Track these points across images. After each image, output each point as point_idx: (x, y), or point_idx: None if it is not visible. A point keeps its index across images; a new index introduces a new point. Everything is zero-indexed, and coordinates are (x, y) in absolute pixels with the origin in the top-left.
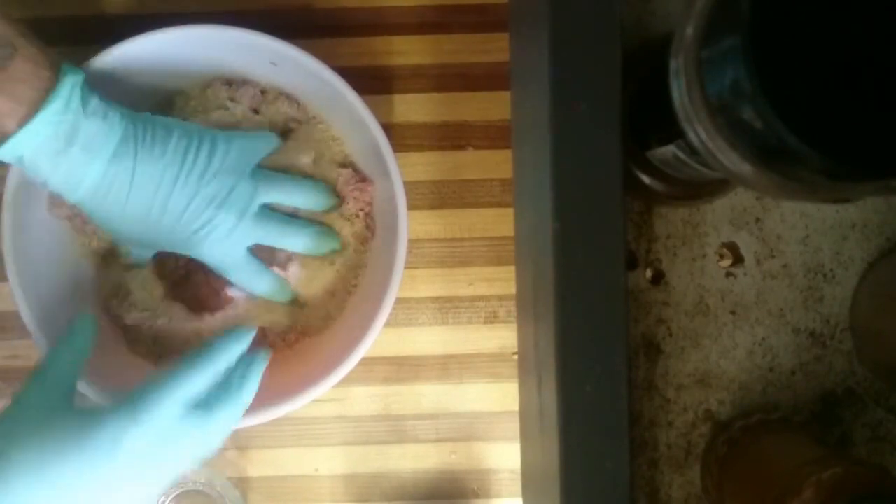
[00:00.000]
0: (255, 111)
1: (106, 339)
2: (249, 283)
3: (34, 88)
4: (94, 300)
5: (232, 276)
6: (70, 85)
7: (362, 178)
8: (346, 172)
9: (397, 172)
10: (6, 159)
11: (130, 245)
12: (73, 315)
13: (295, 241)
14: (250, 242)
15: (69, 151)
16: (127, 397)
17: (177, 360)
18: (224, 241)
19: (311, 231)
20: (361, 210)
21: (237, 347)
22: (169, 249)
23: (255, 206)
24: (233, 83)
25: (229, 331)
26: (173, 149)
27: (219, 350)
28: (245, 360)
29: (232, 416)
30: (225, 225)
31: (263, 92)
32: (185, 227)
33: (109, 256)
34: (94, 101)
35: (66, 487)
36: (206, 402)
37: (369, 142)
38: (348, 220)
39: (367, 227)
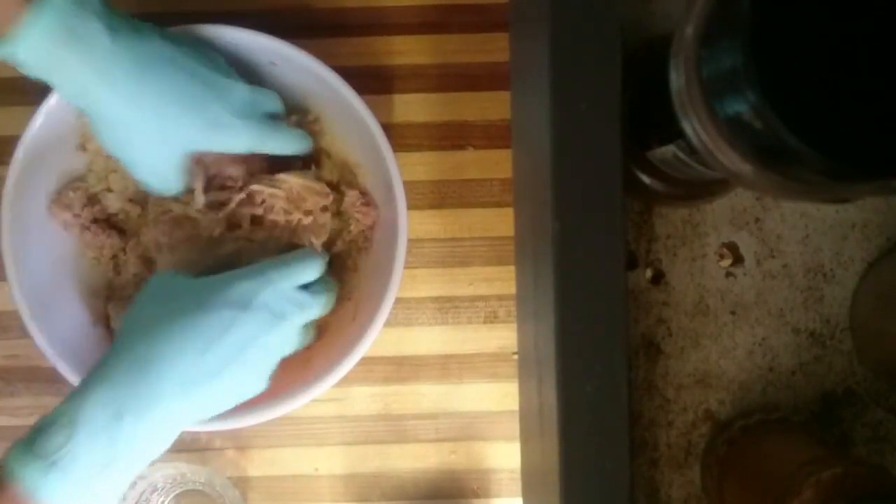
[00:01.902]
0: None
1: (99, 338)
2: (276, 146)
3: None
4: (93, 301)
5: (268, 146)
6: None
7: (367, 202)
8: (354, 194)
9: (397, 172)
10: (18, 56)
11: (146, 168)
12: (74, 315)
13: (283, 145)
14: (267, 109)
15: (92, 27)
16: (236, 282)
17: (276, 258)
18: (244, 107)
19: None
20: (362, 233)
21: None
22: (188, 145)
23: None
24: None
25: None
26: (166, 35)
27: (313, 257)
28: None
29: (324, 306)
30: (239, 91)
31: None
32: (219, 103)
33: (109, 258)
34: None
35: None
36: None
37: (369, 142)
38: (352, 241)
39: (366, 239)
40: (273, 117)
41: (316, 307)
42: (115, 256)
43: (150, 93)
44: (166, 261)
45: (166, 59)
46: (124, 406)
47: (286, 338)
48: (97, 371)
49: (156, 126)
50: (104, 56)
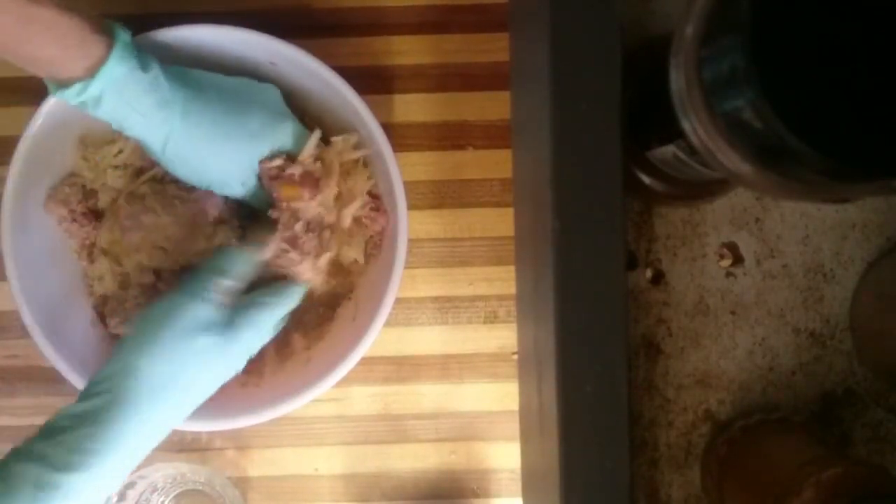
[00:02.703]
0: None
1: (99, 339)
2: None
3: (98, 45)
4: (92, 301)
5: (259, 203)
6: (125, 36)
7: (377, 207)
8: (363, 200)
9: (397, 172)
10: (93, 95)
11: (217, 186)
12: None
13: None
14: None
15: (146, 90)
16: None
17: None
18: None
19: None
20: (371, 239)
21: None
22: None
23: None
24: None
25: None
26: (222, 89)
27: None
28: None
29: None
30: (290, 125)
31: None
32: (260, 142)
33: (103, 259)
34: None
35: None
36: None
37: (369, 142)
38: (357, 246)
39: (375, 246)
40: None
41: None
42: (90, 246)
43: (207, 120)
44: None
45: (209, 103)
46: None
47: (203, 314)
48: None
49: (219, 148)
50: (167, 90)
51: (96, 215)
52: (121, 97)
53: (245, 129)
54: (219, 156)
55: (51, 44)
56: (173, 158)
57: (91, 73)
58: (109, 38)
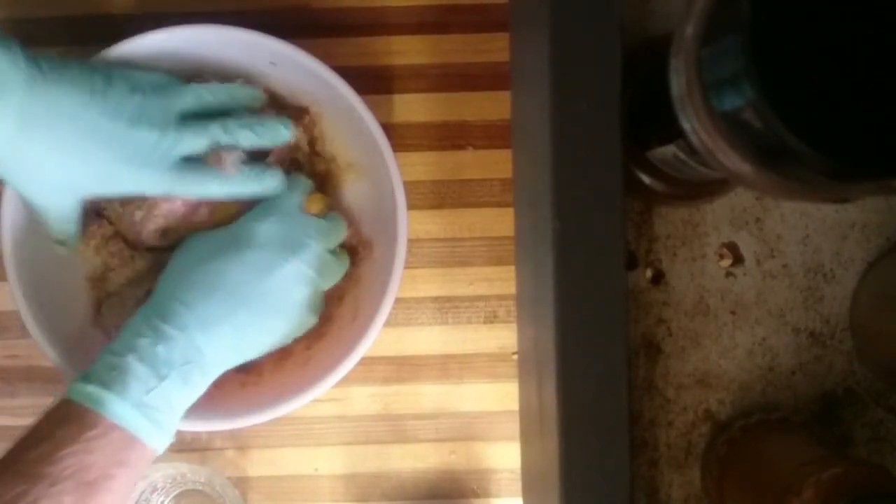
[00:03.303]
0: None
1: (100, 338)
2: (201, 190)
3: None
4: (93, 301)
5: (188, 192)
6: None
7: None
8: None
9: (397, 172)
10: None
11: (50, 210)
12: (73, 314)
13: (231, 137)
14: (182, 152)
15: None
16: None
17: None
18: (153, 158)
19: (244, 123)
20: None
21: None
22: (94, 190)
23: (172, 115)
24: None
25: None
26: (79, 76)
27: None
28: None
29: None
30: (148, 140)
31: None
32: (119, 154)
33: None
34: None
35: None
36: None
37: (369, 142)
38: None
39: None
40: (194, 159)
41: (333, 231)
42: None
43: (34, 148)
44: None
45: (61, 114)
46: (155, 337)
47: (312, 265)
48: (134, 315)
49: (42, 175)
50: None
51: (99, 216)
52: None
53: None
54: (92, 135)
55: None
56: (11, 168)
57: None
58: None
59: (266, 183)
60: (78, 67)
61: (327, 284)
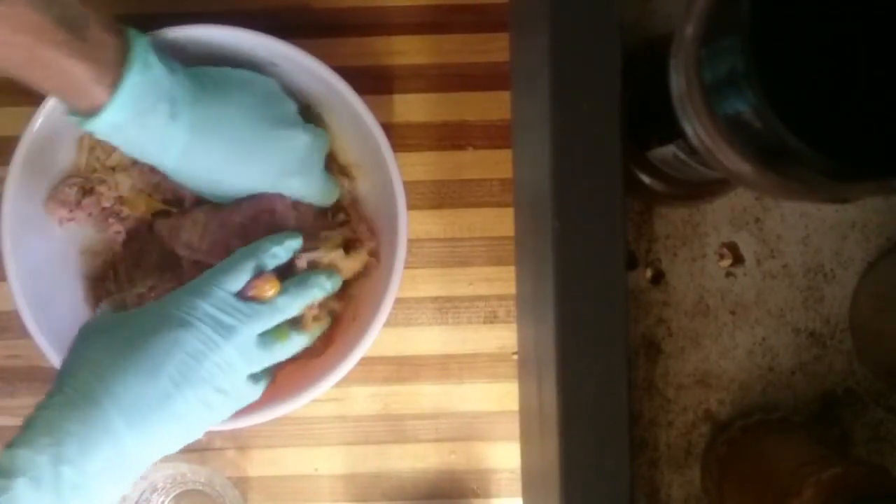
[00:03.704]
0: None
1: None
2: (329, 194)
3: (113, 53)
4: (93, 300)
5: (314, 197)
6: (143, 44)
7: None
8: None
9: (397, 173)
10: (100, 131)
11: (220, 198)
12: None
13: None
14: (318, 155)
15: (158, 109)
16: (173, 300)
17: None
18: (307, 158)
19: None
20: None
21: (279, 249)
22: (263, 187)
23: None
24: None
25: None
26: (237, 86)
27: (259, 248)
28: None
29: (288, 312)
30: (301, 139)
31: None
32: (271, 155)
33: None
34: (164, 58)
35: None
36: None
37: (369, 142)
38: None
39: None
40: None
41: (272, 314)
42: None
43: (206, 156)
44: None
45: (227, 120)
46: (65, 448)
47: (243, 351)
48: (38, 412)
49: (211, 177)
50: (166, 127)
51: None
52: (138, 119)
53: (267, 137)
54: (237, 168)
55: (58, 87)
56: (187, 175)
57: (108, 96)
58: (122, 62)
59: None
60: (222, 75)
61: (253, 370)
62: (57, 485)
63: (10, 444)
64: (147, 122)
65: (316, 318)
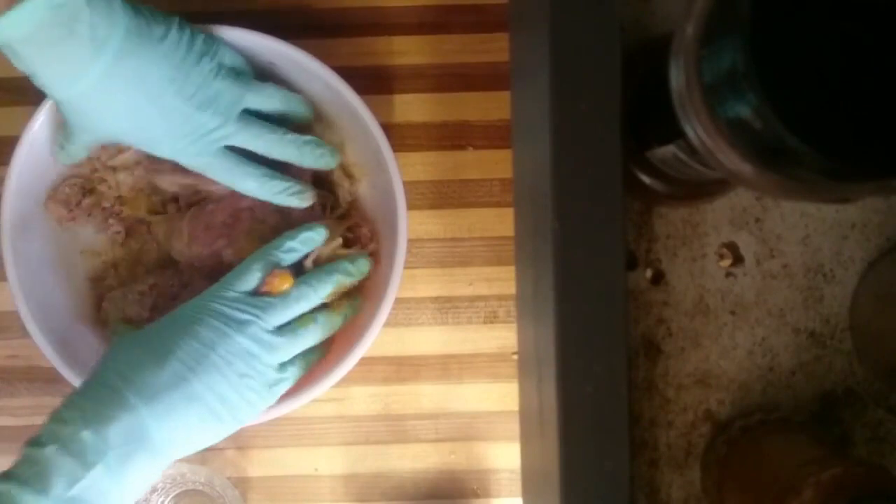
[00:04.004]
0: None
1: (100, 338)
2: (232, 179)
3: None
4: (93, 300)
5: (217, 176)
6: None
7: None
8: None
9: (397, 173)
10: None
11: (83, 140)
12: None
13: (281, 150)
14: (233, 143)
15: (70, 41)
16: (190, 302)
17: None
18: (203, 140)
19: (296, 141)
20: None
21: (295, 243)
22: (138, 145)
23: (239, 109)
24: None
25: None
26: (173, 45)
27: (273, 245)
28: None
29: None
30: (208, 125)
31: None
32: (175, 128)
33: (106, 260)
34: None
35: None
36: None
37: (369, 142)
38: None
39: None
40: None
41: (286, 305)
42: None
43: (110, 96)
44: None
45: (144, 76)
46: (87, 416)
47: (260, 341)
48: (65, 400)
49: (103, 118)
50: (80, 53)
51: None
52: (41, 40)
53: (203, 86)
54: (161, 108)
55: None
56: (96, 108)
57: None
58: None
59: (292, 200)
60: (177, 33)
61: (280, 359)
62: (82, 450)
63: (43, 425)
64: (55, 51)
65: (349, 296)
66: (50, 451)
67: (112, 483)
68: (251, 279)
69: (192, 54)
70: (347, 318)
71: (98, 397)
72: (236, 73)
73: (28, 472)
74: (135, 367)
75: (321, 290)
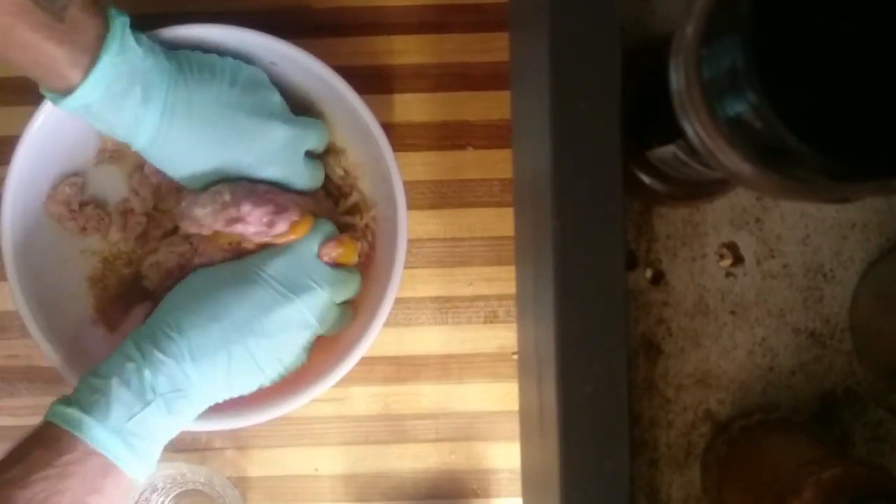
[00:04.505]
0: None
1: (99, 338)
2: (311, 180)
3: (90, 35)
4: (93, 300)
5: (297, 183)
6: (121, 26)
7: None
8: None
9: (397, 172)
10: (71, 110)
11: (196, 184)
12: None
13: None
14: (302, 147)
15: (132, 91)
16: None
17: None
18: (285, 150)
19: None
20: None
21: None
22: (235, 173)
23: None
24: None
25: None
26: (220, 73)
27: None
28: None
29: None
30: (279, 132)
31: None
32: (245, 144)
33: (106, 257)
34: (143, 40)
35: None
36: None
37: (369, 142)
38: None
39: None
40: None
41: (344, 284)
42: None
43: (177, 140)
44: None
45: (202, 105)
46: (146, 358)
47: (314, 311)
48: (128, 337)
49: (181, 157)
50: (138, 109)
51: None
52: (110, 101)
53: (240, 127)
54: (207, 154)
55: (34, 67)
56: (157, 157)
57: (81, 78)
58: (98, 43)
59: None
60: (207, 61)
61: (325, 332)
62: (141, 387)
63: (106, 359)
64: (119, 103)
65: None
66: (113, 383)
67: (160, 422)
68: (313, 245)
69: (227, 76)
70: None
71: (156, 341)
72: (256, 82)
73: (90, 400)
74: (192, 321)
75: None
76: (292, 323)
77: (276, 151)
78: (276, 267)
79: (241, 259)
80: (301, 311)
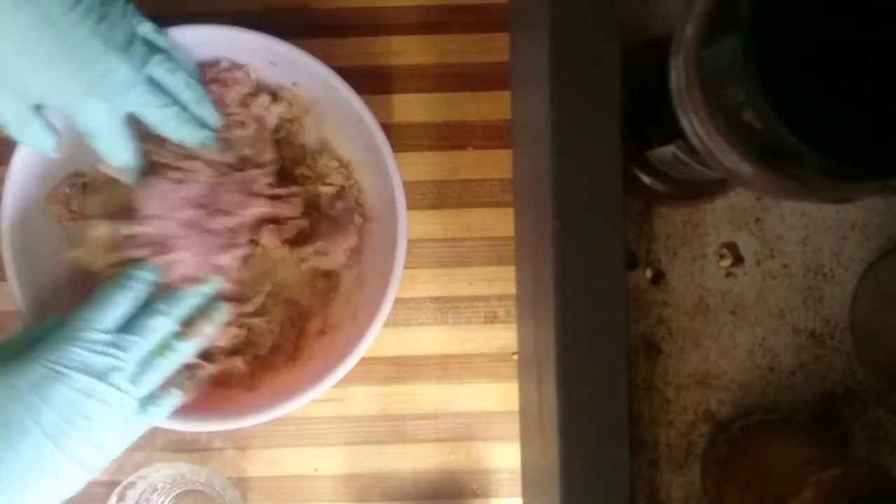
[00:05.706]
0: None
1: None
2: (115, 151)
3: None
4: None
5: (99, 143)
6: None
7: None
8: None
9: (397, 172)
10: None
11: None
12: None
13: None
14: (132, 108)
15: None
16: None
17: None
18: (114, 97)
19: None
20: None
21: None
22: (55, 98)
23: (146, 71)
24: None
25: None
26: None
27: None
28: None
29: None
30: (119, 71)
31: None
32: (82, 66)
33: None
34: None
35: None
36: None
37: (369, 142)
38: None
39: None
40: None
41: (148, 337)
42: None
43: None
44: None
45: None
46: None
47: (119, 392)
48: None
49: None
50: None
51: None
52: None
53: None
54: (32, 60)
55: None
56: None
57: None
58: None
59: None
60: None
61: (145, 391)
62: None
63: None
64: None
65: (204, 316)
66: None
67: None
68: (113, 314)
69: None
70: (202, 342)
71: None
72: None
73: None
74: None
75: (174, 314)
76: (104, 413)
77: (107, 85)
78: (73, 355)
79: (38, 348)
80: (111, 394)
